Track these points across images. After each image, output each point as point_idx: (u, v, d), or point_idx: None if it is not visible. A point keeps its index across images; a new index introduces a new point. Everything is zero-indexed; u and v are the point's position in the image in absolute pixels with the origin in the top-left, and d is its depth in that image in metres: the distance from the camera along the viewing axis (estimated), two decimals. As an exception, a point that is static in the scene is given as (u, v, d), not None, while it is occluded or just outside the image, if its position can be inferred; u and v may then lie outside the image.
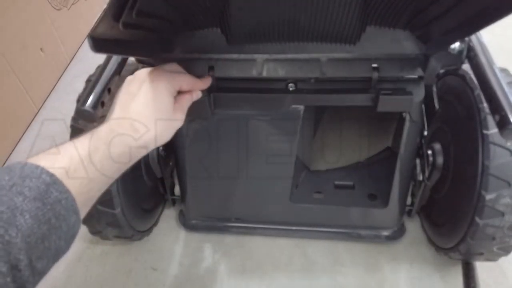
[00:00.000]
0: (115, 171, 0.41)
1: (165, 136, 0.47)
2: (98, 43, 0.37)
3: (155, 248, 0.83)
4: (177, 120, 0.49)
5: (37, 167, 0.33)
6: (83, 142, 0.39)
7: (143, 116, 0.44)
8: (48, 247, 0.31)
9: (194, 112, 0.64)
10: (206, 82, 0.55)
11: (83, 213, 0.36)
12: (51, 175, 0.33)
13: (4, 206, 0.29)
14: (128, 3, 0.39)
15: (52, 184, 0.32)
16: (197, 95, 0.53)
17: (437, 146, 0.70)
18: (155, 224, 0.85)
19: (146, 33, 0.49)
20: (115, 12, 0.38)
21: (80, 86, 0.64)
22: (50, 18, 1.21)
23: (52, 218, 0.31)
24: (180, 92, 0.50)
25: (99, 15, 0.37)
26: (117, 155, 0.41)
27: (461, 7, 0.41)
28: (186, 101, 0.51)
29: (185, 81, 0.50)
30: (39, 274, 0.31)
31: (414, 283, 0.76)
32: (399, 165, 0.67)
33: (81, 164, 0.37)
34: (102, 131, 0.41)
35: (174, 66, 0.52)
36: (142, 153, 0.45)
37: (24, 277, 0.29)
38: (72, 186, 0.34)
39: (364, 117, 0.81)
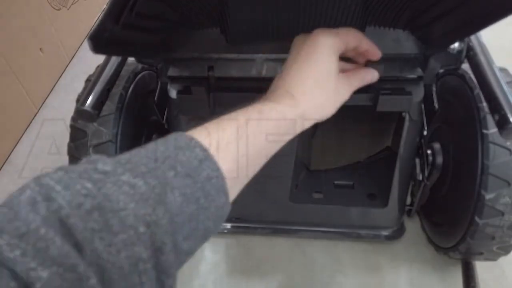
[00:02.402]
0: (267, 148, 0.36)
1: (327, 108, 0.41)
2: (98, 44, 0.37)
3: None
4: (340, 93, 0.42)
5: (191, 139, 0.30)
6: (236, 114, 0.35)
7: (299, 79, 0.39)
8: (196, 227, 0.29)
9: (193, 111, 0.64)
10: (376, 52, 0.46)
11: (231, 197, 0.33)
12: (204, 150, 0.30)
13: (156, 180, 0.27)
14: (128, 5, 0.39)
15: (204, 160, 0.29)
16: (372, 75, 0.46)
17: (437, 146, 0.70)
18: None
19: (145, 33, 0.49)
20: (114, 13, 0.38)
21: (79, 86, 0.64)
22: (50, 18, 1.21)
23: (201, 198, 0.29)
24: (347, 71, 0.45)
25: (98, 15, 0.37)
26: (271, 127, 0.36)
27: (461, 8, 0.41)
28: (357, 78, 0.44)
29: (351, 35, 0.42)
30: (185, 255, 0.29)
31: (414, 282, 0.76)
32: (399, 165, 0.67)
33: (232, 138, 0.33)
34: (258, 103, 0.37)
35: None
36: (301, 125, 0.39)
37: (168, 262, 0.26)
38: (223, 163, 0.31)
39: (364, 117, 0.81)
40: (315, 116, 0.40)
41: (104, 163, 0.26)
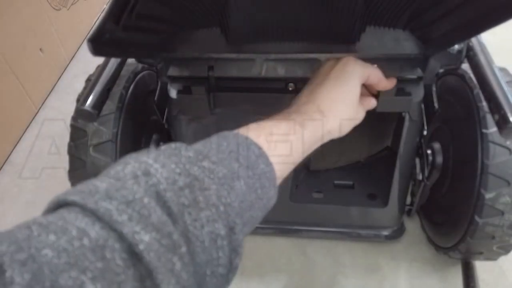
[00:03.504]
0: (301, 154, 0.41)
1: (348, 126, 0.46)
2: (98, 46, 0.37)
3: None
4: (359, 115, 0.48)
5: (246, 137, 0.34)
6: (280, 121, 0.40)
7: (328, 98, 0.44)
8: (252, 215, 0.32)
9: (193, 111, 0.64)
10: (391, 82, 0.53)
11: None
12: (259, 148, 0.34)
13: (226, 169, 0.30)
14: (128, 6, 0.39)
15: (259, 156, 0.34)
16: (373, 103, 0.53)
17: (437, 146, 0.70)
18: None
19: (146, 34, 0.49)
20: (115, 15, 0.38)
21: (79, 86, 0.65)
22: (50, 18, 1.21)
23: (258, 189, 0.32)
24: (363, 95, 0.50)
25: (98, 15, 0.37)
26: (307, 138, 0.41)
27: (461, 10, 0.41)
28: (369, 103, 0.51)
29: (374, 71, 0.49)
30: (243, 239, 0.32)
31: (414, 282, 0.76)
32: (399, 165, 0.67)
33: (279, 141, 0.37)
34: (293, 114, 0.42)
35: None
36: (326, 138, 0.44)
37: (238, 241, 0.29)
38: (272, 161, 0.35)
39: (364, 117, 0.81)
40: (337, 131, 0.45)
41: (186, 149, 0.30)
